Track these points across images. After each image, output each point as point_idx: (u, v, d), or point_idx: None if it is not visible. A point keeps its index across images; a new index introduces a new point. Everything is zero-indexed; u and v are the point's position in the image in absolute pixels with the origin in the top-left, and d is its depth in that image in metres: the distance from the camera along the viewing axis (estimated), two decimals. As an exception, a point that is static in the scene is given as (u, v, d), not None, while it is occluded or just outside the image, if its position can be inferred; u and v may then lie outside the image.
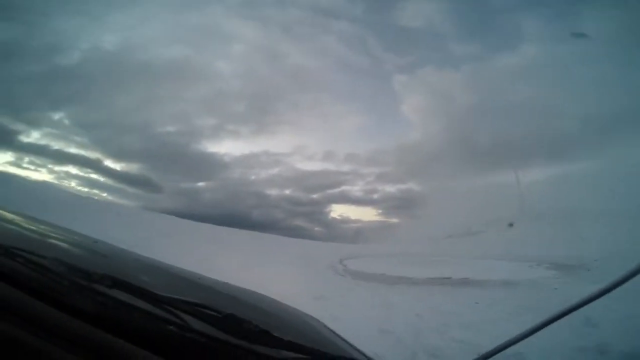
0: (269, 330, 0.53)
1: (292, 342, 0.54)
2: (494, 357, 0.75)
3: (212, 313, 0.53)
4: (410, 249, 25.71)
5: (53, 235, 1.03)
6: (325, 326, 1.10)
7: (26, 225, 1.03)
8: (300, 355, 0.54)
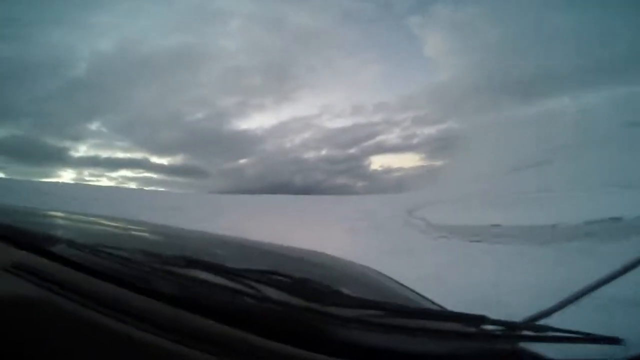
0: (340, 290, 0.53)
1: (364, 299, 0.55)
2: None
3: (283, 279, 0.54)
4: (476, 188, 23.63)
5: (123, 228, 1.18)
6: (388, 277, 1.11)
7: (98, 224, 1.17)
8: (376, 312, 0.52)
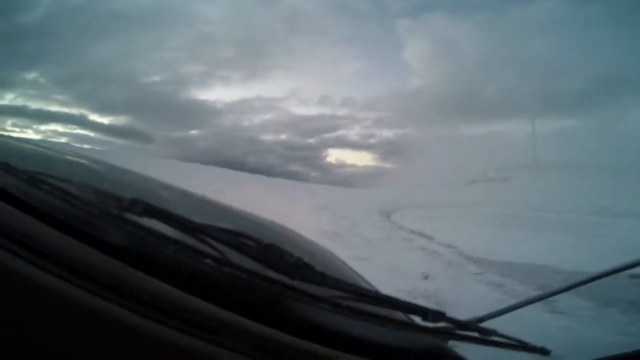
0: (311, 265, 0.47)
1: (335, 278, 0.51)
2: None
3: (251, 243, 0.48)
4: (440, 196, 23.35)
5: (75, 160, 1.00)
6: (347, 265, 1.10)
7: (46, 152, 0.98)
8: (345, 294, 0.48)
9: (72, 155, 1.03)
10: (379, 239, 6.77)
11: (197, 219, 0.49)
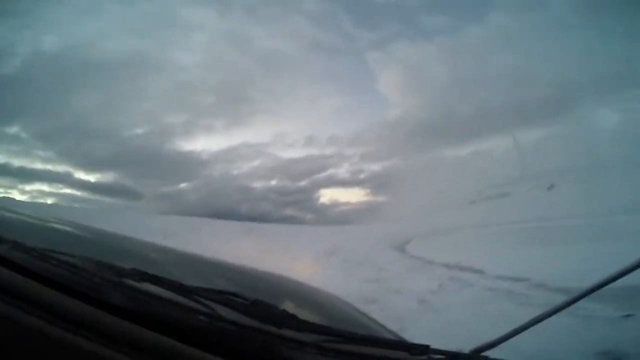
0: (295, 315, 0.54)
1: (316, 324, 0.56)
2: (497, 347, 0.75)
3: (240, 300, 0.55)
4: (443, 220, 22.71)
5: (77, 233, 1.13)
6: (354, 308, 1.16)
7: (50, 225, 1.12)
8: (329, 337, 0.54)
9: (70, 226, 1.12)
10: (429, 291, 4.88)
11: (194, 279, 0.53)
